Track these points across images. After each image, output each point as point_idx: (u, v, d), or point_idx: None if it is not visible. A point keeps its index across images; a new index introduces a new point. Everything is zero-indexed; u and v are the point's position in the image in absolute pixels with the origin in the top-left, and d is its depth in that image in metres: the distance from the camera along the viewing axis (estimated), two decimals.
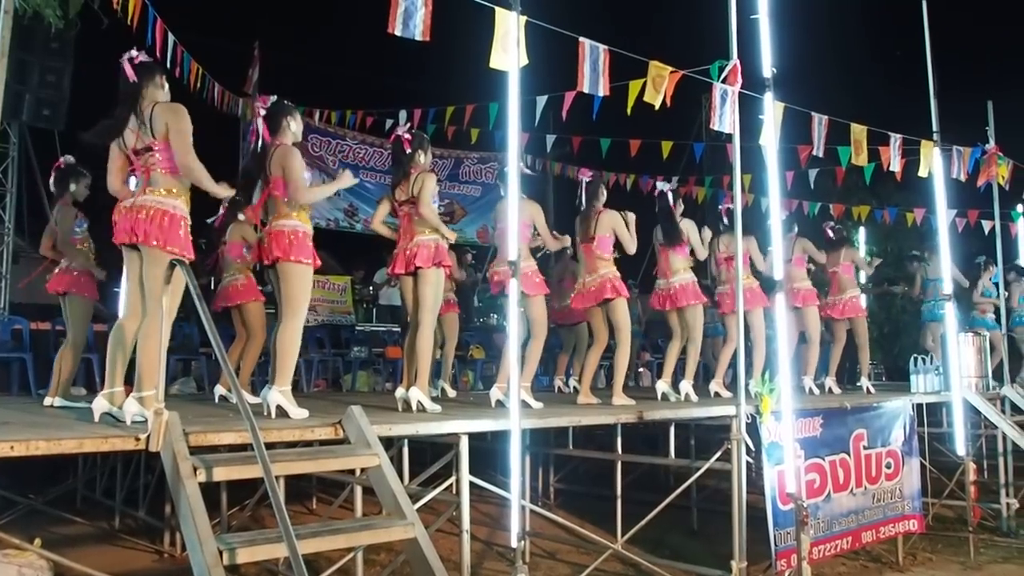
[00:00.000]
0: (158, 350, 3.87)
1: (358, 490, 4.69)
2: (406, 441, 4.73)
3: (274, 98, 4.77)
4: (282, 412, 4.32)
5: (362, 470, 4.04)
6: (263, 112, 4.70)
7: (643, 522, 5.45)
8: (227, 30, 12.26)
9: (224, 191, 4.30)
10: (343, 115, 11.53)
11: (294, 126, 4.72)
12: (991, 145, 7.96)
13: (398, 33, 4.23)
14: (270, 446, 3.66)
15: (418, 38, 4.26)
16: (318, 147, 12.19)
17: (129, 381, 3.99)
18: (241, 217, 6.49)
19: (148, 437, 3.34)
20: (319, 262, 4.64)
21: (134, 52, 4.09)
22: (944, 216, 7.59)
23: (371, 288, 11.19)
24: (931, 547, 6.80)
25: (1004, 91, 9.50)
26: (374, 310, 11.15)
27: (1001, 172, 8.07)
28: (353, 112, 11.34)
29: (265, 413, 4.33)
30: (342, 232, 12.43)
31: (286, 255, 4.44)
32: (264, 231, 4.63)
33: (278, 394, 4.33)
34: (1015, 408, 7.80)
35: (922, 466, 6.88)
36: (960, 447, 7.02)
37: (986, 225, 9.87)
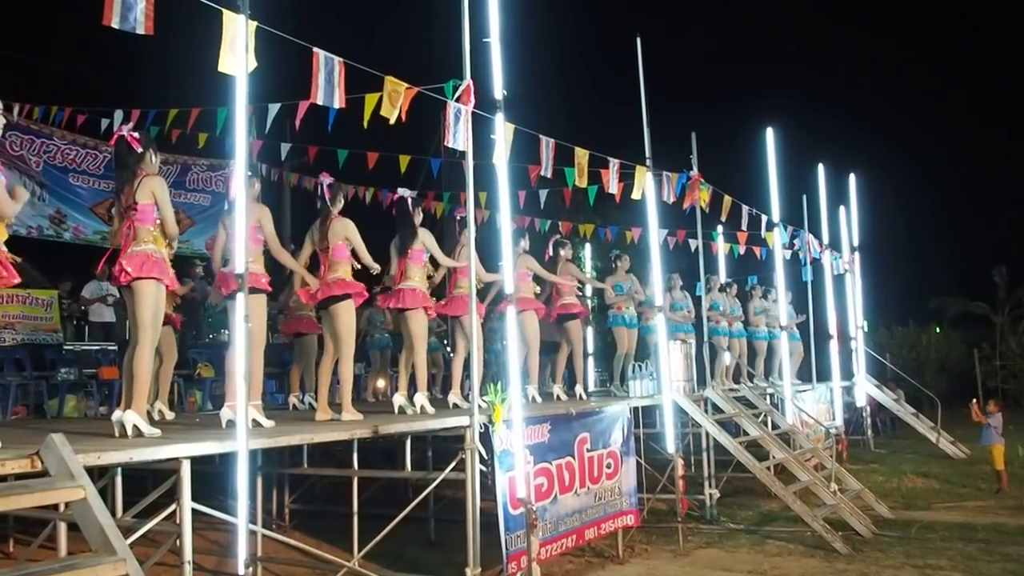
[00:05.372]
0: None
1: (62, 527, 4.22)
2: (120, 470, 4.33)
3: None
4: None
5: (66, 505, 3.63)
6: None
7: (379, 537, 5.41)
8: None
9: None
10: (48, 111, 10.29)
11: None
12: (694, 172, 8.86)
13: (115, 26, 3.87)
14: None
15: (140, 32, 3.93)
16: (18, 146, 10.84)
17: None
18: None
19: None
20: (17, 277, 4.11)
21: None
22: (656, 235, 8.34)
23: (78, 303, 10.11)
24: (647, 539, 7.42)
25: (706, 123, 10.65)
26: (85, 327, 10.08)
27: (703, 196, 9.01)
28: (61, 108, 10.16)
29: None
30: (47, 241, 11.10)
31: None
32: None
33: None
34: (716, 408, 8.74)
35: (638, 464, 7.50)
36: (670, 445, 7.75)
37: (692, 244, 11.03)
